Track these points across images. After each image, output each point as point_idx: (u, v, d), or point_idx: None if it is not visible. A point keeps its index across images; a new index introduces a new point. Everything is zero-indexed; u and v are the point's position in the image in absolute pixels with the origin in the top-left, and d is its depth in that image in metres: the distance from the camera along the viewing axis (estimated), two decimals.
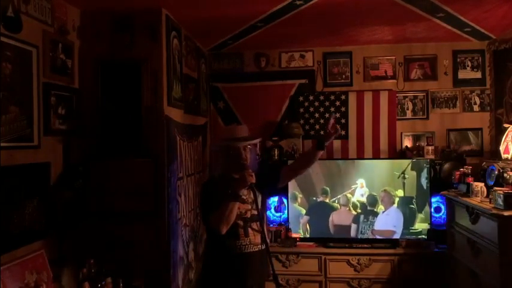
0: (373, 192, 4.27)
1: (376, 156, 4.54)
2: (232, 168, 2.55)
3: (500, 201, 2.85)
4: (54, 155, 2.84)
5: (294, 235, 4.30)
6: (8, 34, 2.40)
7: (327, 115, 4.62)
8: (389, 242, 4.20)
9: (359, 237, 4.26)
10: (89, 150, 3.14)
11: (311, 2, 3.23)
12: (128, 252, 3.08)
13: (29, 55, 2.59)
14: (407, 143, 4.56)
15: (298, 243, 4.30)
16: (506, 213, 2.76)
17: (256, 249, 2.53)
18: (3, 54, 2.37)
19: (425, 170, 4.19)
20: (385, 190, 4.25)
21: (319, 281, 4.18)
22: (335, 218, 4.31)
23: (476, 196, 3.33)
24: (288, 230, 4.33)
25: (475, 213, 3.19)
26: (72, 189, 2.99)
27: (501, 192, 2.88)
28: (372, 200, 4.27)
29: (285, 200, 4.43)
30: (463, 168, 3.76)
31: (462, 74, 4.56)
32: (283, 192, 4.29)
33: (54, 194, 2.80)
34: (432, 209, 4.26)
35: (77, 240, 3.00)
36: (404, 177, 4.21)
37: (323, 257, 4.19)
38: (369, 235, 4.26)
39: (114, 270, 2.92)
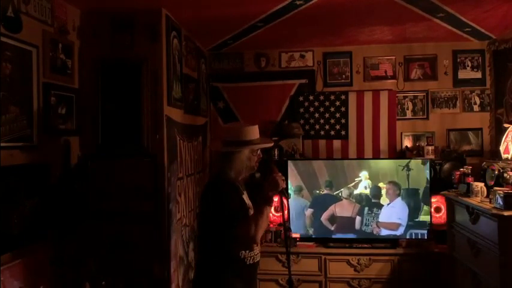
0: (377, 184, 4.27)
1: (376, 156, 4.54)
2: (242, 171, 2.42)
3: (500, 201, 2.85)
4: (54, 155, 2.83)
5: (294, 235, 4.30)
6: (8, 34, 2.40)
7: (327, 115, 4.63)
8: (389, 242, 4.21)
9: (363, 229, 4.26)
10: (88, 150, 3.14)
11: (311, 2, 3.23)
12: (128, 252, 3.07)
13: (29, 55, 2.59)
14: (407, 143, 4.56)
15: (298, 243, 4.30)
16: (506, 213, 2.75)
17: (259, 258, 2.47)
18: (3, 54, 2.36)
19: (428, 163, 4.21)
20: (390, 182, 4.25)
21: (319, 281, 4.18)
22: (338, 210, 4.31)
23: (476, 196, 3.33)
24: (285, 229, 4.33)
25: (475, 213, 3.19)
26: (72, 189, 2.99)
27: (501, 192, 2.87)
28: (376, 192, 4.27)
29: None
30: (463, 168, 3.76)
31: (462, 74, 4.56)
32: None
33: (54, 194, 2.80)
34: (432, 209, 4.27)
35: (77, 240, 2.99)
36: (408, 169, 4.21)
37: (323, 257, 4.19)
38: (373, 227, 4.25)
39: (114, 270, 2.92)
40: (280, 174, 2.38)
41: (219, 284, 2.34)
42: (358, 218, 4.28)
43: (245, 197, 2.46)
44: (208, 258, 2.40)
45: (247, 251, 2.35)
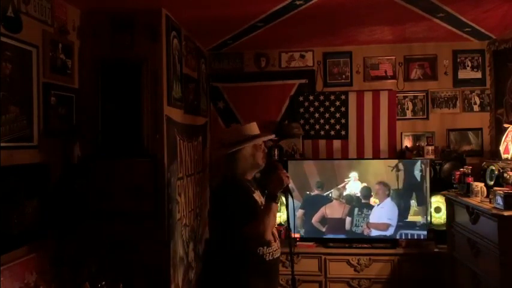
0: (366, 184, 4.26)
1: (376, 156, 4.54)
2: (248, 170, 2.46)
3: (500, 201, 2.85)
4: (54, 155, 2.83)
5: (294, 235, 4.30)
6: (8, 34, 2.40)
7: (327, 115, 4.63)
8: (389, 242, 4.21)
9: (353, 229, 4.26)
10: (88, 150, 3.14)
11: (311, 2, 3.23)
12: (128, 252, 3.07)
13: (29, 55, 2.59)
14: (407, 143, 4.56)
15: (298, 243, 4.30)
16: (506, 213, 2.76)
17: (279, 254, 2.46)
18: (3, 54, 2.36)
19: (418, 163, 4.19)
20: (380, 182, 4.24)
21: (319, 281, 4.18)
22: (328, 212, 4.31)
23: (476, 196, 3.33)
24: (288, 230, 4.33)
25: (475, 213, 3.19)
26: (72, 189, 2.99)
27: (501, 192, 2.88)
28: (366, 193, 4.26)
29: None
30: (463, 168, 3.76)
31: (462, 74, 4.56)
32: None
33: (54, 194, 2.80)
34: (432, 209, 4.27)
35: (77, 240, 2.99)
36: (398, 170, 4.21)
37: (323, 257, 4.19)
38: (363, 228, 4.25)
39: (114, 270, 2.92)
40: (284, 171, 2.40)
41: (240, 284, 2.33)
42: (348, 219, 4.27)
43: (256, 195, 2.46)
44: (226, 258, 2.36)
45: (265, 247, 2.34)
